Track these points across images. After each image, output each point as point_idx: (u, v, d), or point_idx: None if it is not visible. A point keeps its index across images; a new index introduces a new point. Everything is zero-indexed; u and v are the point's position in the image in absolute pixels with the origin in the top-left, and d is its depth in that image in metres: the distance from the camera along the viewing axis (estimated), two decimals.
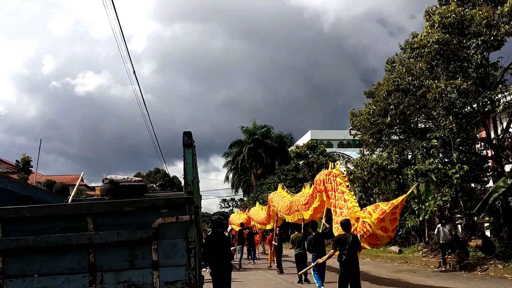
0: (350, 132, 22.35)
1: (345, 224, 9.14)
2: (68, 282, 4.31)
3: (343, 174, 13.02)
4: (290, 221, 18.41)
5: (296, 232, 14.89)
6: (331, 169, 13.11)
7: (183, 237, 4.45)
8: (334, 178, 12.54)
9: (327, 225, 13.50)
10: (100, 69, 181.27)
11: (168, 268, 4.40)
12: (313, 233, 12.27)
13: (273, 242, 18.37)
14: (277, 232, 19.11)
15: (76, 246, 4.32)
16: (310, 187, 15.19)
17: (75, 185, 8.95)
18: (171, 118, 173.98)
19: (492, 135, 18.04)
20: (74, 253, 4.35)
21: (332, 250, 9.50)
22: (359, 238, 9.73)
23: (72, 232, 4.34)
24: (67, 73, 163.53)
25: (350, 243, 8.78)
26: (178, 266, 4.41)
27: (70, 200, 6.84)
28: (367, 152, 22.10)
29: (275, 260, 18.86)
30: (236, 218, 31.86)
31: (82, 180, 39.18)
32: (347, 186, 12.11)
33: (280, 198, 19.75)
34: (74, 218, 4.44)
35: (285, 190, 20.40)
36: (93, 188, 48.60)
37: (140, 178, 6.83)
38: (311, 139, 52.68)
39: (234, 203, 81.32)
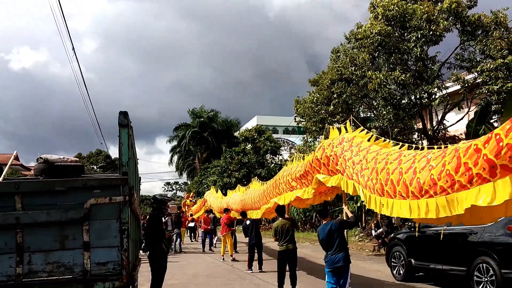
0: (295, 119, 22.57)
1: None
2: None
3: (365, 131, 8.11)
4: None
5: (280, 219, 10.07)
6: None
7: (116, 218, 4.42)
8: (350, 142, 7.92)
9: (350, 214, 8.34)
10: (37, 45, 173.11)
11: (100, 249, 4.37)
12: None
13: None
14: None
15: (2, 226, 4.20)
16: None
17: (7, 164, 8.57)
18: (117, 99, 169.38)
19: (428, 126, 18.90)
20: (0, 233, 4.22)
21: None
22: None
23: None
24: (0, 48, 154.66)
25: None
26: (111, 247, 4.39)
27: (1, 179, 6.57)
28: (310, 139, 22.55)
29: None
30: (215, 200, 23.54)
31: (17, 159, 37.52)
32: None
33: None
34: (1, 197, 4.30)
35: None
36: (29, 168, 46.71)
37: (77, 159, 6.63)
38: (257, 124, 52.99)
39: (178, 186, 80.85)
